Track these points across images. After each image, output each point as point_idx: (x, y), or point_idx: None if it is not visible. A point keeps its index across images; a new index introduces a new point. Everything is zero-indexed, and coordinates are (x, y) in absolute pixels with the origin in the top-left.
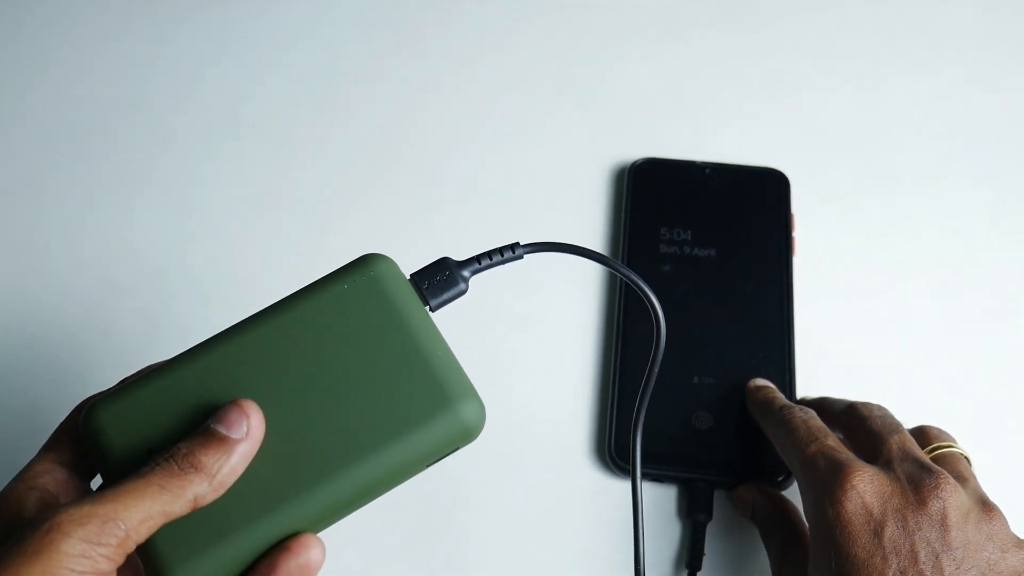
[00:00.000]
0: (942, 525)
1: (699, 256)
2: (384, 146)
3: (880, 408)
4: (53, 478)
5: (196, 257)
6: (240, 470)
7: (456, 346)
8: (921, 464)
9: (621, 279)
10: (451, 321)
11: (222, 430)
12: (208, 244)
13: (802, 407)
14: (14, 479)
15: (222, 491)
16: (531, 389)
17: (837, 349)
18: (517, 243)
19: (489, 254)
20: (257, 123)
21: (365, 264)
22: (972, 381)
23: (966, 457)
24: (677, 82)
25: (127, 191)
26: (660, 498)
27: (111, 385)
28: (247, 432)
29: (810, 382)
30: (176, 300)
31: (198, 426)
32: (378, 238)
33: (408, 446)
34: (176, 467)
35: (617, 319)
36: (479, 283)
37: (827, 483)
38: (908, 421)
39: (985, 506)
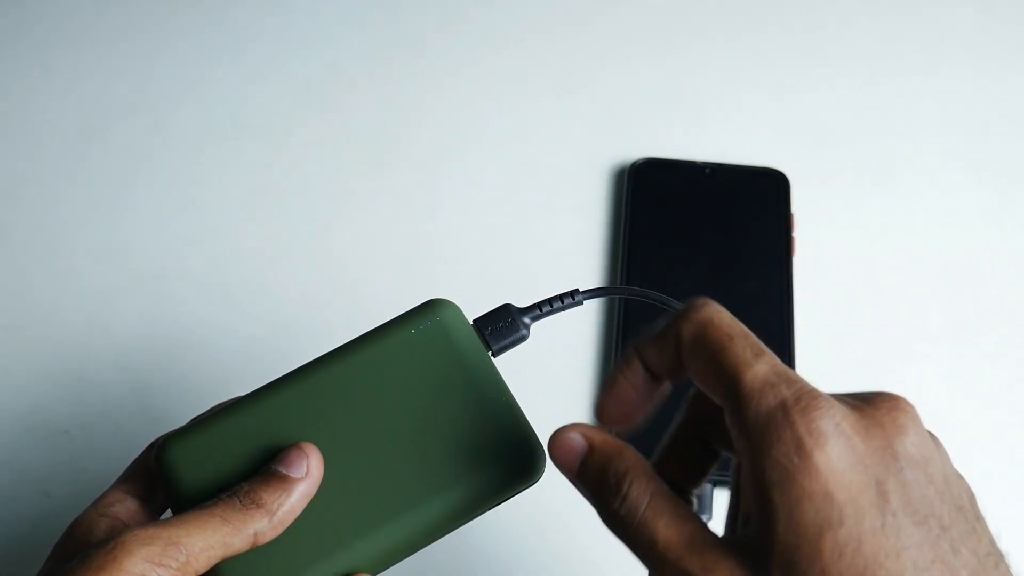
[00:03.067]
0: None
1: (699, 256)
2: (384, 146)
3: None
4: (124, 508)
5: (196, 257)
6: (299, 509)
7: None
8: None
9: (621, 276)
10: None
11: (283, 470)
12: (207, 244)
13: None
14: (88, 507)
15: (281, 529)
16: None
17: (837, 349)
18: (576, 290)
19: (550, 301)
20: (257, 123)
21: (431, 309)
22: (972, 380)
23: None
24: (677, 82)
25: (127, 191)
26: None
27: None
28: (307, 472)
29: (810, 382)
30: (176, 300)
31: (262, 466)
32: (377, 238)
33: (469, 492)
34: (238, 502)
35: (617, 323)
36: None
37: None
38: None
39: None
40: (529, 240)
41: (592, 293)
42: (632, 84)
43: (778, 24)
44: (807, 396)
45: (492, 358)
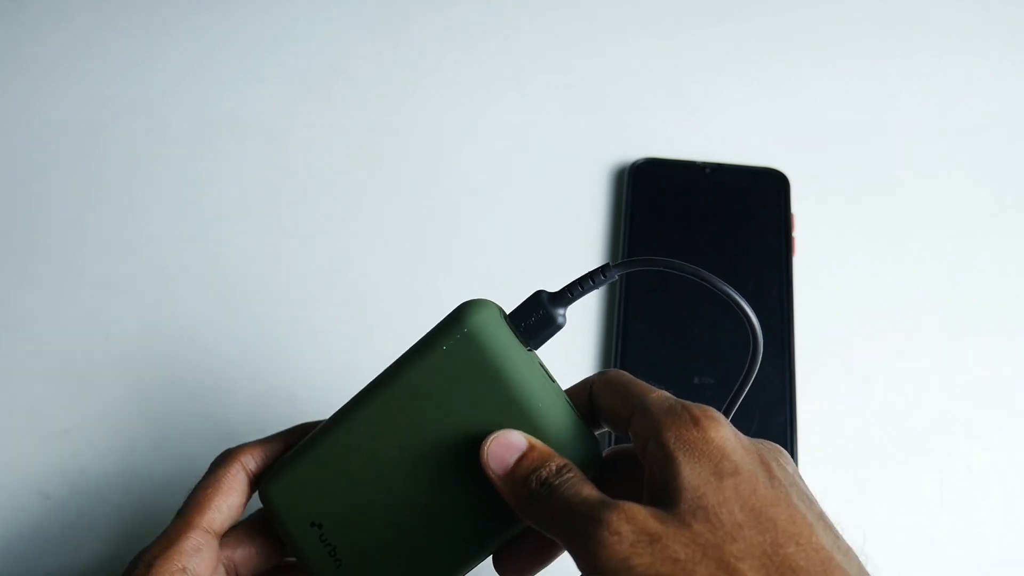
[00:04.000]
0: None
1: (699, 256)
2: (383, 146)
3: None
4: (206, 559)
5: (196, 257)
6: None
7: None
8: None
9: (621, 275)
10: None
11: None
12: (207, 244)
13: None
14: (174, 551)
15: None
16: None
17: (837, 349)
18: (607, 264)
19: (581, 282)
20: (257, 123)
21: (461, 317)
22: (972, 380)
23: None
24: (677, 82)
25: (127, 191)
26: None
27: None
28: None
29: (810, 382)
30: (176, 300)
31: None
32: (377, 238)
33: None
34: None
35: (617, 324)
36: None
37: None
38: (910, 421)
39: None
40: (529, 240)
41: (623, 265)
42: (632, 84)
43: (778, 24)
44: (701, 405)
45: (532, 353)
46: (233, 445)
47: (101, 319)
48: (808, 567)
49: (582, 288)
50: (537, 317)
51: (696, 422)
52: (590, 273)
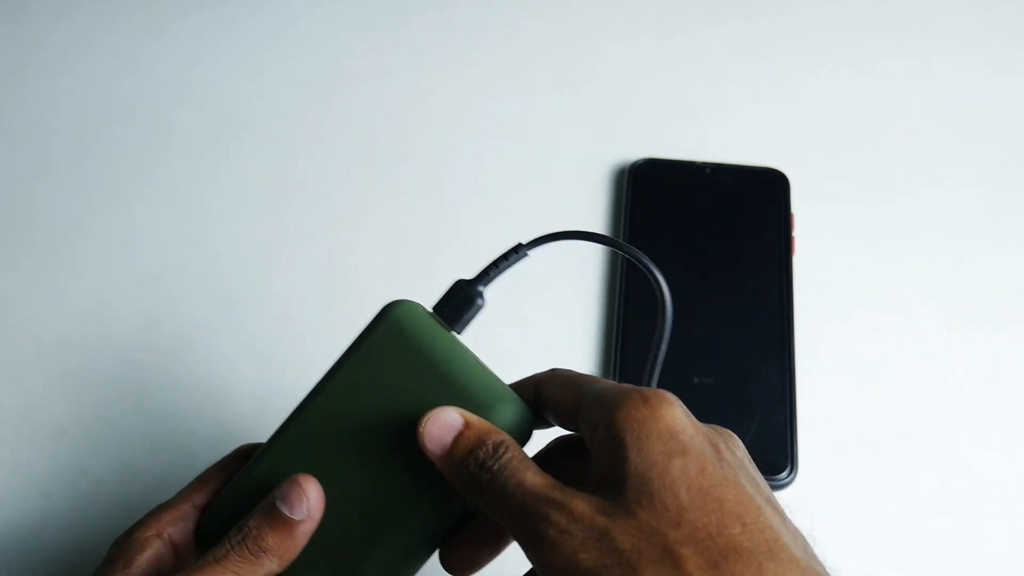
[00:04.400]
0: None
1: (699, 256)
2: (383, 146)
3: None
4: (184, 528)
5: (196, 257)
6: (304, 543)
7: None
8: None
9: (620, 275)
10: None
11: (285, 512)
12: (208, 244)
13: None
14: (153, 516)
15: (289, 562)
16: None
17: (837, 349)
18: (520, 244)
19: (496, 263)
20: (257, 123)
21: (385, 315)
22: (972, 380)
23: None
24: (677, 82)
25: (127, 191)
26: None
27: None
28: (308, 513)
29: (810, 382)
30: (176, 300)
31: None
32: (377, 238)
33: None
34: (248, 553)
35: (617, 314)
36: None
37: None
38: (910, 421)
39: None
40: (529, 239)
41: (535, 243)
42: (632, 84)
43: (778, 24)
44: (654, 388)
45: (457, 336)
46: (218, 457)
47: (101, 319)
48: (752, 548)
49: (497, 268)
50: (457, 301)
51: (646, 401)
52: (503, 254)
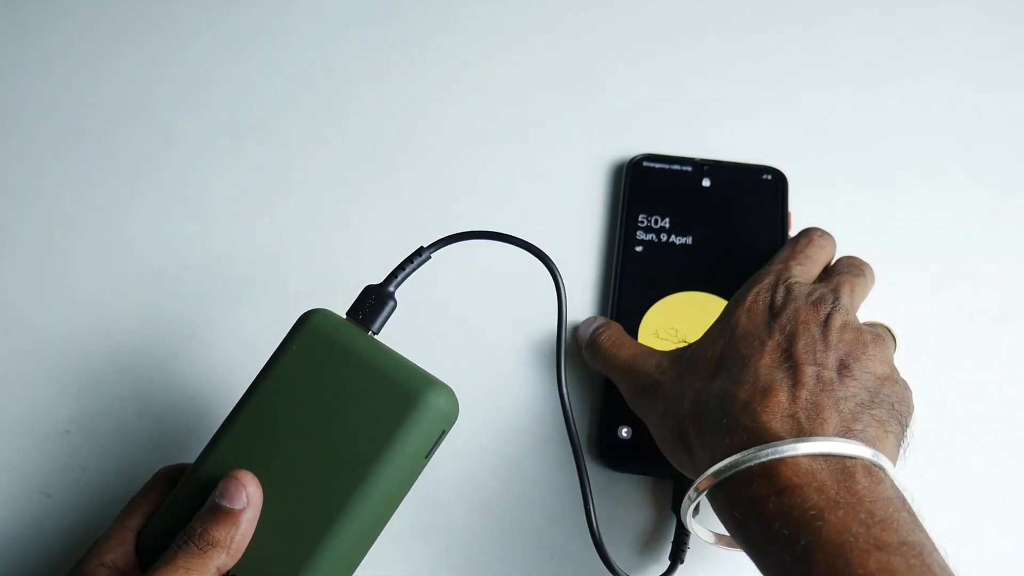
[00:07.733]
0: (825, 326)
1: (697, 254)
2: (384, 146)
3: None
4: (125, 552)
5: (197, 257)
6: (250, 533)
7: (448, 352)
8: (836, 292)
9: (615, 270)
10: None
11: (226, 504)
12: (208, 244)
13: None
14: (93, 549)
15: (240, 554)
16: (514, 383)
17: None
18: (422, 247)
19: (402, 265)
20: (257, 123)
21: (303, 323)
22: (971, 379)
23: (892, 333)
24: (677, 82)
25: (127, 191)
26: (655, 494)
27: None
28: (248, 500)
29: None
30: (177, 300)
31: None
32: (378, 237)
33: (399, 450)
34: (196, 548)
35: (612, 305)
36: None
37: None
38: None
39: (872, 333)
40: (527, 236)
41: (435, 245)
42: (631, 81)
43: (777, 22)
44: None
45: (374, 336)
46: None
47: (101, 319)
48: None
49: (403, 270)
50: (371, 304)
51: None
52: (408, 257)
